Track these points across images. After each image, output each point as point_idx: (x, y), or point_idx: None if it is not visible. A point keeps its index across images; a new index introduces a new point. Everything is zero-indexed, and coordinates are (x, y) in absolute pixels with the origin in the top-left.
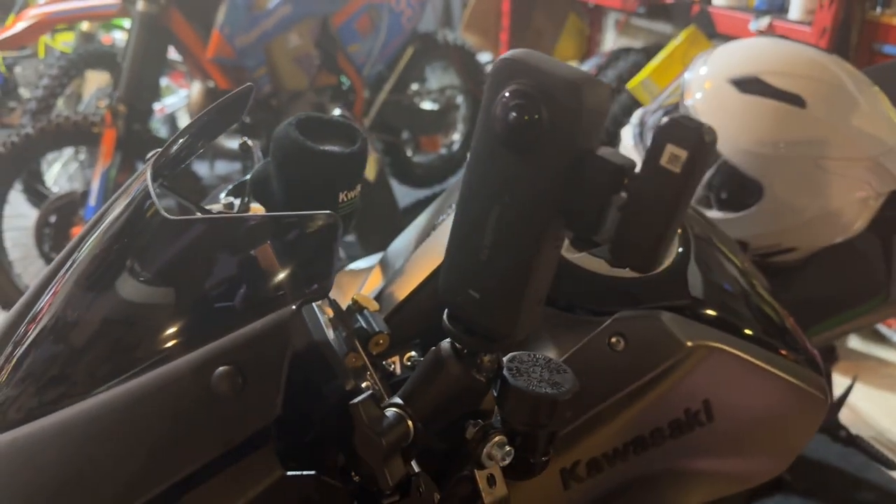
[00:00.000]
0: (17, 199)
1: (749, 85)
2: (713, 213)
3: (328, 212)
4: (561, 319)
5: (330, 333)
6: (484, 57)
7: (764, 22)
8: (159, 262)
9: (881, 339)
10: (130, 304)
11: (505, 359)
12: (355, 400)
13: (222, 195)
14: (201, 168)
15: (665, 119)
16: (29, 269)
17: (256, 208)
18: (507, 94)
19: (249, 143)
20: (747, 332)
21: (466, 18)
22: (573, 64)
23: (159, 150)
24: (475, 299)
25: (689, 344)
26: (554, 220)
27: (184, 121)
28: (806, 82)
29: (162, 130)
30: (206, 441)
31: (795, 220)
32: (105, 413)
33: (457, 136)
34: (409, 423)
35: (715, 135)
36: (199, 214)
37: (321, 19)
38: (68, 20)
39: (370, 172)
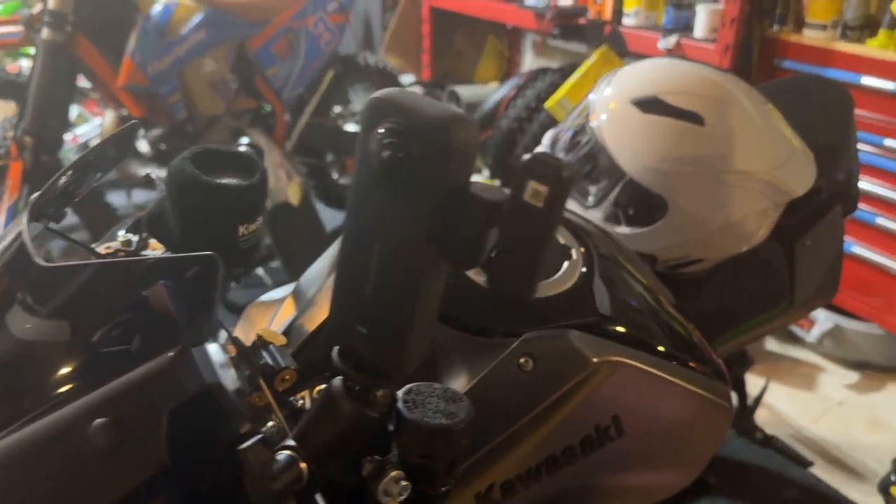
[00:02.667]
0: None
1: (650, 105)
2: (622, 230)
3: (207, 253)
4: (473, 344)
5: (231, 373)
6: (406, 79)
7: (671, 40)
8: (37, 308)
9: (795, 339)
10: (11, 352)
11: (401, 392)
12: (243, 445)
13: (121, 232)
14: (118, 198)
15: (526, 157)
16: None
17: (154, 245)
18: (379, 132)
19: (153, 175)
20: (653, 345)
21: (387, 41)
22: (492, 84)
23: (40, 191)
24: (363, 335)
25: (595, 360)
26: (431, 255)
27: None
28: (703, 101)
29: None
30: (88, 498)
31: (700, 232)
32: None
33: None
34: (303, 465)
35: (572, 170)
36: (78, 259)
37: (237, 44)
38: None
39: (294, 197)
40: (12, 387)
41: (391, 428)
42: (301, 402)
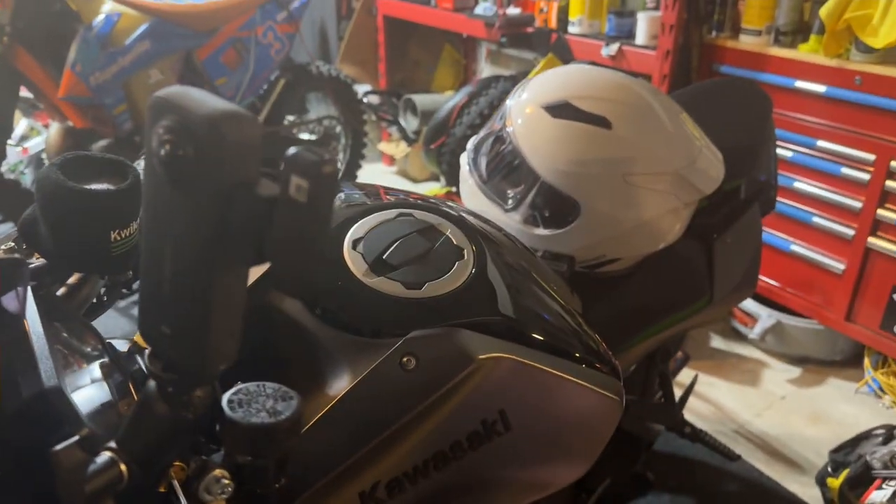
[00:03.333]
0: None
1: (560, 110)
2: (539, 231)
3: (9, 256)
4: (358, 345)
5: (96, 384)
6: (362, 88)
7: (614, 47)
8: None
9: (739, 336)
10: None
11: (229, 392)
12: (57, 447)
13: (8, 244)
14: None
15: (290, 151)
16: None
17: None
18: (159, 131)
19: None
20: (542, 341)
21: (343, 50)
22: (449, 93)
23: None
24: (167, 335)
25: (480, 357)
26: (217, 251)
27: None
28: (611, 105)
29: (27, 172)
30: None
31: (613, 231)
32: None
33: (338, 166)
34: (123, 466)
35: (335, 164)
36: None
37: (184, 54)
38: None
39: None
40: None
41: (218, 427)
42: None
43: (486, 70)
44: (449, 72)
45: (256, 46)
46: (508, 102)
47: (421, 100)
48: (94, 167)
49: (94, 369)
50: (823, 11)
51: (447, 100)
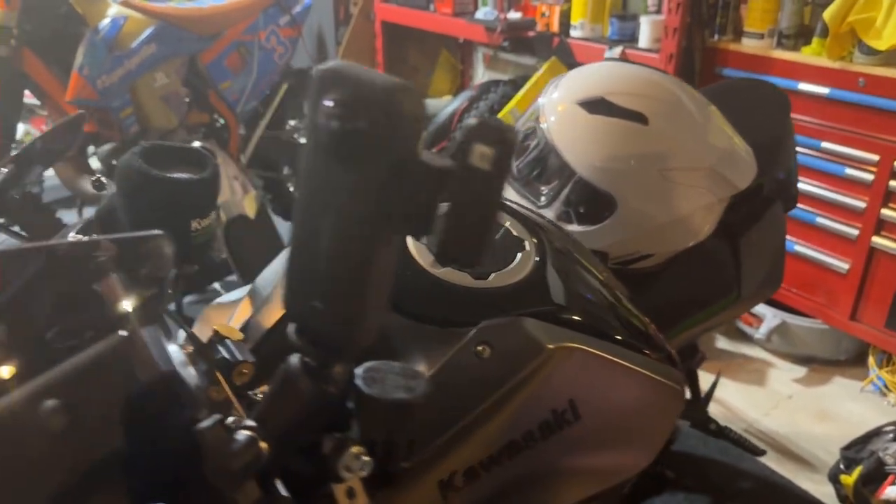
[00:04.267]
0: None
1: (596, 106)
2: (573, 228)
3: (154, 232)
4: (430, 333)
5: (188, 370)
6: None
7: (617, 51)
8: None
9: (744, 337)
10: None
11: (359, 369)
12: (201, 424)
13: (71, 234)
14: (68, 216)
15: (470, 120)
16: None
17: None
18: (327, 104)
19: (104, 179)
20: (607, 332)
21: (341, 55)
22: (446, 97)
23: None
24: (318, 310)
25: (550, 346)
26: (383, 225)
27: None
28: (647, 100)
29: None
30: (38, 482)
31: (648, 227)
32: None
33: None
34: (263, 444)
35: (515, 132)
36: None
37: (188, 58)
38: None
39: (250, 210)
40: None
41: (350, 405)
42: (260, 397)
43: (483, 75)
44: (446, 77)
45: (260, 51)
46: (540, 100)
47: None
48: (172, 156)
49: (179, 356)
50: (827, 14)
51: (446, 104)
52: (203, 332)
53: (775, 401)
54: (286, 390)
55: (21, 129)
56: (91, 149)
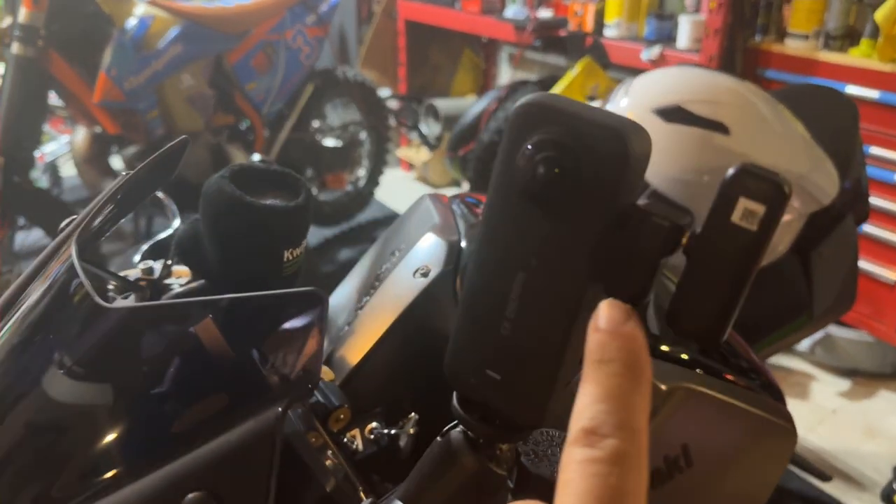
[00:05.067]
0: None
1: (673, 114)
2: None
3: (312, 289)
4: None
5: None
6: (383, 92)
7: (655, 51)
8: (99, 360)
9: (788, 349)
10: (67, 416)
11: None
12: None
13: (137, 257)
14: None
15: (734, 168)
16: None
17: (181, 271)
18: (532, 146)
19: (161, 196)
20: (711, 367)
21: (363, 55)
22: (470, 97)
23: (74, 217)
24: (495, 381)
25: (664, 388)
26: (592, 286)
27: (66, 168)
28: (727, 109)
29: (42, 180)
30: None
31: None
32: None
33: (362, 172)
34: None
35: (791, 185)
36: (137, 299)
37: (215, 58)
38: None
39: None
40: (70, 458)
41: (510, 484)
42: (354, 443)
43: (507, 75)
44: (468, 76)
45: (286, 51)
46: (608, 107)
47: (443, 105)
48: (262, 179)
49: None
50: (879, 15)
51: (471, 105)
52: None
53: (820, 416)
54: (446, 468)
55: None
56: (114, 149)
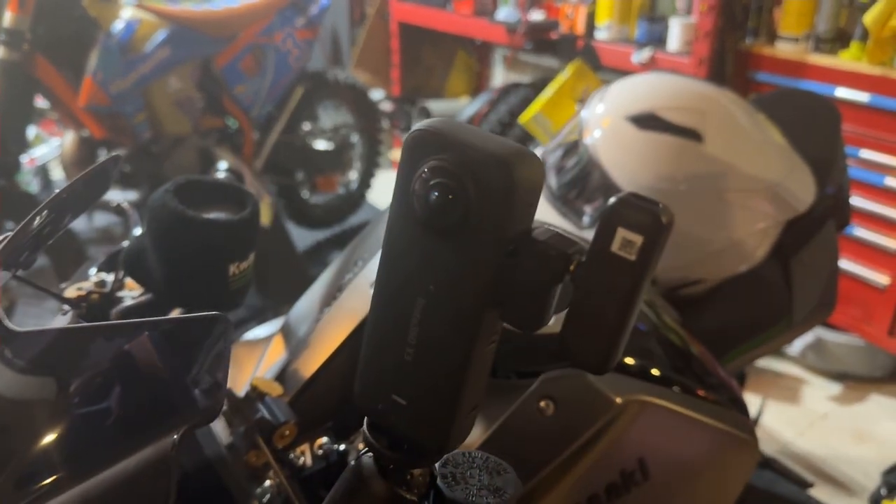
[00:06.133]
0: None
1: (646, 121)
2: None
3: (214, 313)
4: (491, 386)
5: (224, 431)
6: (376, 94)
7: (645, 54)
8: (10, 382)
9: (778, 352)
10: None
11: (437, 463)
12: None
13: (92, 270)
14: (78, 223)
15: (614, 199)
16: None
17: (131, 284)
18: (426, 171)
19: (124, 205)
20: (672, 378)
21: (356, 57)
22: (463, 99)
23: (8, 234)
24: (401, 406)
25: (619, 401)
26: (488, 312)
27: (56, 172)
28: (701, 116)
29: (33, 183)
30: None
31: (700, 252)
32: None
33: (354, 175)
34: None
35: (672, 215)
36: (73, 317)
37: (203, 61)
38: None
39: (265, 217)
40: None
41: None
42: (301, 458)
43: (501, 77)
44: (462, 78)
45: (275, 53)
46: (583, 114)
47: (437, 107)
48: (207, 193)
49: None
50: (868, 18)
51: (464, 107)
52: (232, 377)
53: (810, 420)
54: (356, 494)
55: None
56: (102, 154)
